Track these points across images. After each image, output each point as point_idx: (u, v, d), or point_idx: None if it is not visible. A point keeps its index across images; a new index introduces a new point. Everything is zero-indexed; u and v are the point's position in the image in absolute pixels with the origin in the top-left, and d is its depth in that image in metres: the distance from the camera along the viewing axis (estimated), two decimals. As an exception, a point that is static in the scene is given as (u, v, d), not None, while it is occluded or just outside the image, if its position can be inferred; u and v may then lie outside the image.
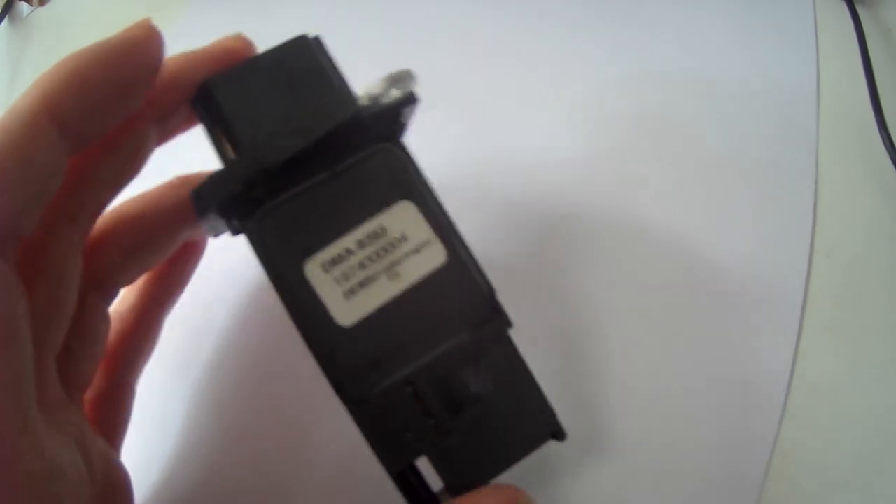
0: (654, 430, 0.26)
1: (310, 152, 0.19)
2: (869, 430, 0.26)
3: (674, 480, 0.25)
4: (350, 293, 0.18)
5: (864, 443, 0.26)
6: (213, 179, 0.19)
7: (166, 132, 0.23)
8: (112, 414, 0.23)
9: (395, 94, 0.19)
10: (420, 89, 0.20)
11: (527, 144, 0.33)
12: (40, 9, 0.47)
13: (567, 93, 0.35)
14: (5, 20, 0.47)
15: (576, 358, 0.28)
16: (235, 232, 0.20)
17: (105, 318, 0.22)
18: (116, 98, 0.19)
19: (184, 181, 0.24)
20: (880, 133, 0.31)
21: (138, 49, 0.19)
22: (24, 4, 0.47)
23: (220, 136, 0.21)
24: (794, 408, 0.26)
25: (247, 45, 0.22)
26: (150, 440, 0.27)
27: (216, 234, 0.21)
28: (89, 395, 0.22)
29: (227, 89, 0.20)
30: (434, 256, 0.19)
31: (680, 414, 0.26)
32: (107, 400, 0.23)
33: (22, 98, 0.17)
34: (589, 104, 0.34)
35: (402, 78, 0.19)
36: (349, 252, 0.19)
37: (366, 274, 0.18)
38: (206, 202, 0.19)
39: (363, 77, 0.21)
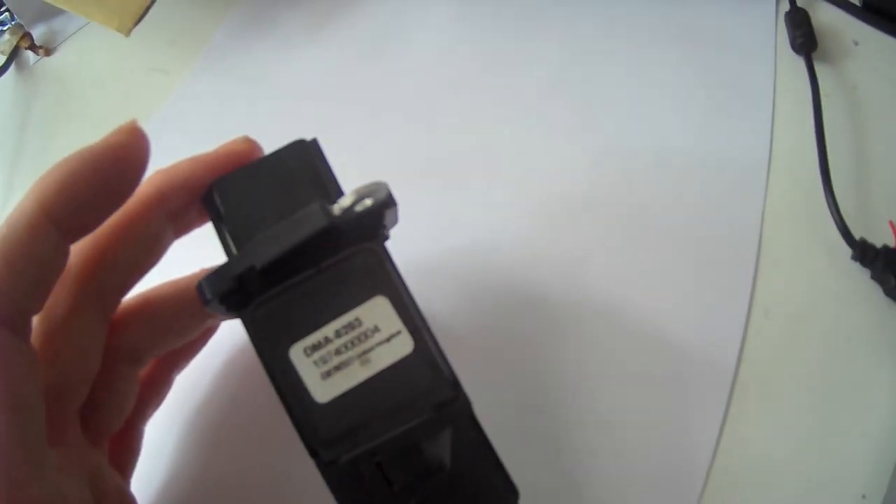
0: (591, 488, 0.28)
1: (292, 255, 0.21)
2: (794, 492, 0.28)
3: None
4: (327, 375, 0.21)
5: (789, 502, 0.28)
6: (211, 276, 0.22)
7: (182, 226, 0.26)
8: (124, 453, 0.27)
9: (367, 202, 0.21)
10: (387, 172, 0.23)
11: (485, 218, 0.35)
12: (46, 59, 0.50)
13: (524, 162, 0.37)
14: (12, 68, 0.50)
15: (524, 427, 0.30)
16: (237, 317, 0.23)
17: (134, 382, 0.26)
18: (104, 197, 0.22)
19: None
20: (826, 197, 0.33)
21: (122, 154, 0.22)
22: (31, 53, 0.50)
23: (224, 232, 0.24)
24: (720, 468, 0.28)
25: (253, 146, 0.26)
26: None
27: (224, 317, 0.24)
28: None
29: (227, 192, 0.24)
30: (402, 346, 0.21)
31: (613, 470, 0.28)
32: (121, 442, 0.27)
33: (23, 200, 0.21)
34: (543, 174, 0.37)
35: (373, 190, 0.22)
36: (328, 340, 0.21)
37: (341, 359, 0.21)
38: (206, 296, 0.22)
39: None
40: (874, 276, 0.32)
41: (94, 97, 0.48)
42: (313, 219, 0.21)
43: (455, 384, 0.22)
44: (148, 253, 0.25)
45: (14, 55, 0.50)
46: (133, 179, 0.23)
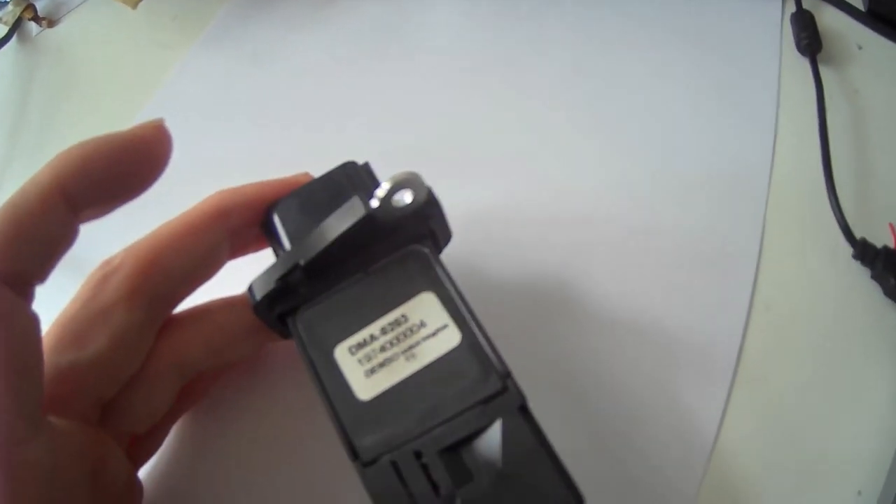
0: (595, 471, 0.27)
1: (336, 254, 0.21)
2: (791, 487, 0.28)
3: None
4: (371, 372, 0.21)
5: (786, 497, 0.28)
6: (260, 277, 0.22)
7: (239, 245, 0.26)
8: (142, 448, 0.27)
9: (408, 199, 0.21)
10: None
11: (484, 212, 0.35)
12: (49, 30, 0.49)
13: (528, 160, 0.37)
14: (14, 39, 0.48)
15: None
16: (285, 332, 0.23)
17: (173, 393, 0.25)
18: (119, 185, 0.22)
19: None
20: (828, 195, 0.33)
21: (144, 147, 0.22)
22: (34, 24, 0.49)
23: (280, 250, 0.24)
24: (718, 461, 0.28)
25: (309, 178, 0.26)
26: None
27: (275, 330, 0.24)
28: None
29: (283, 211, 0.24)
30: (449, 339, 0.21)
31: (611, 463, 0.28)
32: (147, 437, 0.27)
33: (40, 172, 0.21)
34: (547, 171, 0.36)
35: (409, 181, 0.21)
36: (373, 337, 0.21)
37: (385, 356, 0.21)
38: (255, 296, 0.22)
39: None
40: (874, 276, 0.32)
41: (96, 70, 0.46)
42: (353, 211, 0.21)
43: (505, 375, 0.20)
44: (203, 264, 0.25)
45: (17, 26, 0.48)
46: (151, 174, 0.23)
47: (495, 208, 0.35)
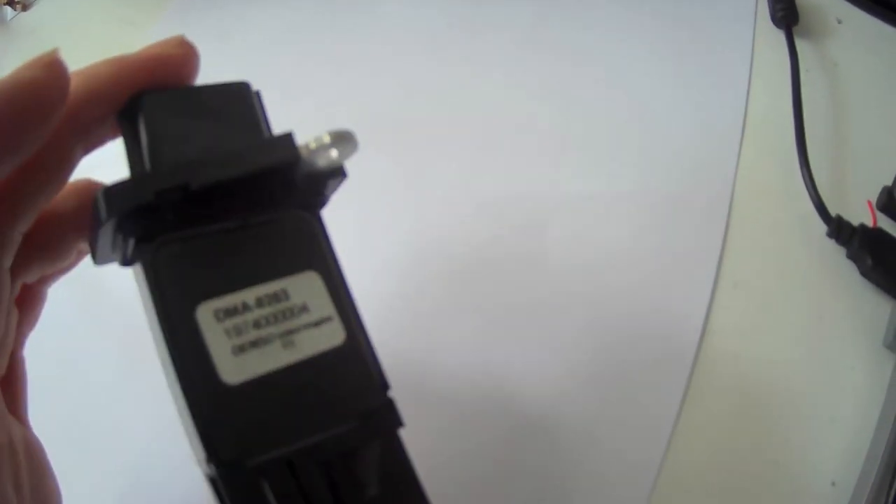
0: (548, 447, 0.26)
1: (228, 191, 0.17)
2: (760, 478, 0.26)
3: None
4: (240, 350, 0.17)
5: (756, 488, 0.25)
6: (126, 184, 0.17)
7: (94, 142, 0.20)
8: (11, 385, 0.22)
9: (334, 156, 0.18)
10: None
11: (447, 182, 0.33)
12: (23, 14, 0.47)
13: (494, 121, 0.34)
14: (-10, 23, 0.47)
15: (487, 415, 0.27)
16: (127, 257, 0.18)
17: (13, 311, 0.21)
18: (8, 136, 0.17)
19: (90, 185, 0.22)
20: (801, 171, 0.30)
21: (33, 93, 0.18)
22: (8, 8, 0.47)
23: (141, 152, 0.18)
24: (678, 449, 0.26)
25: (187, 53, 0.20)
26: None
27: (101, 261, 0.19)
28: None
29: (159, 109, 0.19)
30: (333, 335, 0.17)
31: (574, 444, 0.26)
32: (6, 375, 0.22)
33: None
34: (514, 132, 0.34)
35: (344, 139, 0.18)
36: (246, 307, 0.17)
37: (259, 334, 0.17)
38: (112, 207, 0.16)
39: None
40: (850, 255, 0.29)
41: (70, 51, 0.44)
42: (283, 148, 0.17)
43: (385, 390, 0.18)
44: (54, 180, 0.20)
45: (-9, 10, 0.47)
46: (44, 124, 0.18)
47: (451, 174, 0.33)
